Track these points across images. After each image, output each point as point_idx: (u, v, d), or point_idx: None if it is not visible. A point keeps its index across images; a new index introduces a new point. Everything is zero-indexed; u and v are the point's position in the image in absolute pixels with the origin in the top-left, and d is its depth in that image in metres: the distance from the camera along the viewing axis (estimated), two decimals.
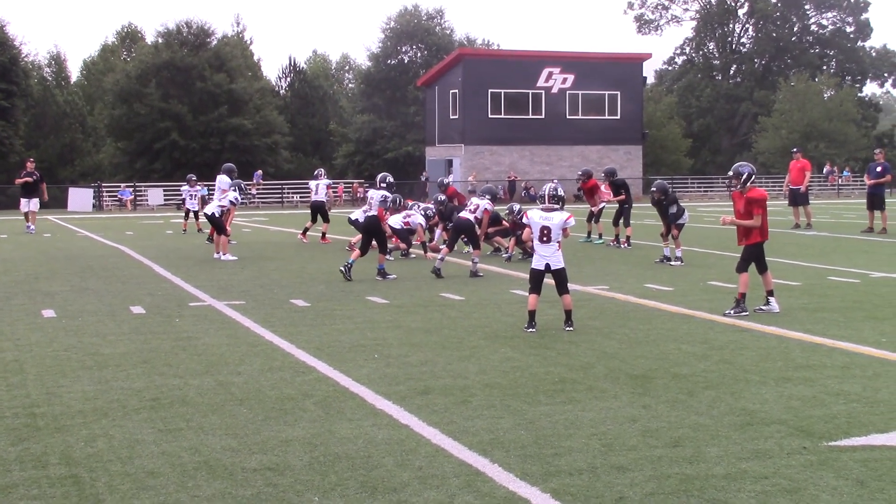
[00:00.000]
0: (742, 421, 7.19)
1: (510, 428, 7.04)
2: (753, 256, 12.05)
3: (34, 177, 29.96)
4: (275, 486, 5.88)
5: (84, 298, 14.03)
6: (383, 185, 17.10)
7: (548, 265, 11.03)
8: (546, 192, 11.24)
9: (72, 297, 14.24)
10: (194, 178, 28.94)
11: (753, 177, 11.98)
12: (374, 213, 16.50)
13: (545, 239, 11.03)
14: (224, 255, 19.64)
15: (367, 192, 19.75)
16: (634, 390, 8.15)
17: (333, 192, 54.65)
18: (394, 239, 19.82)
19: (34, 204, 29.99)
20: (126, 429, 7.08)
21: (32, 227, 29.51)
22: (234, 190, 21.17)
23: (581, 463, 6.24)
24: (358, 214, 20.51)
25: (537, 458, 6.33)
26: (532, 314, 11.04)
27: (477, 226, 17.59)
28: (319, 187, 24.36)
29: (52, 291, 14.85)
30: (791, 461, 6.26)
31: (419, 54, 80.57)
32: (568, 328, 10.98)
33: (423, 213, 20.56)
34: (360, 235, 18.34)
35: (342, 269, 15.87)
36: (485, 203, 18.07)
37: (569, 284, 11.19)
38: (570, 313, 11.12)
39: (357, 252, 16.26)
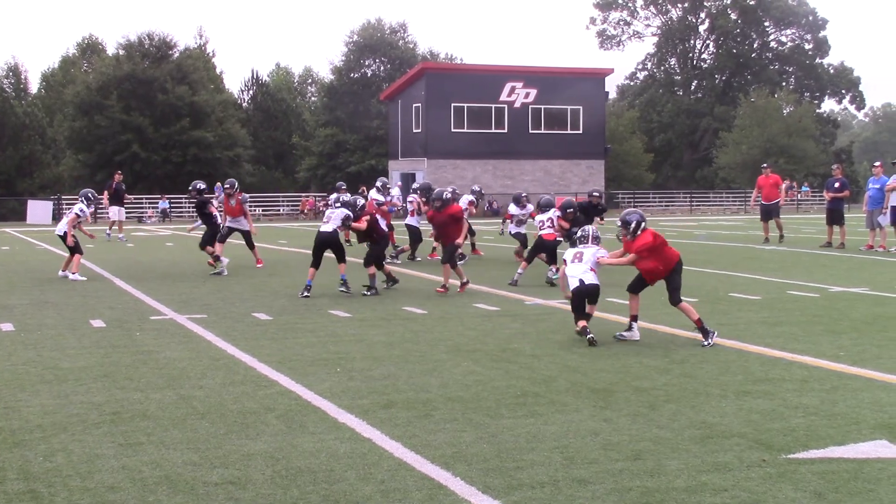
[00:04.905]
0: (702, 434, 7.24)
1: (472, 441, 7.05)
2: (678, 283, 11.70)
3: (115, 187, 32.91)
4: (236, 500, 5.85)
5: (43, 312, 13.90)
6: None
7: (581, 280, 11.29)
8: (585, 234, 11.85)
9: (31, 310, 14.09)
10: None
11: (643, 224, 11.65)
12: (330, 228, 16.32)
13: (576, 261, 11.52)
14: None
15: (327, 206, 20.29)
16: (596, 404, 8.19)
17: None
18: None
19: (123, 213, 33.72)
20: (86, 443, 7.02)
21: (122, 236, 32.23)
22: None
23: (543, 476, 6.26)
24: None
25: (499, 472, 6.35)
26: (584, 329, 11.18)
27: (552, 241, 17.38)
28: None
29: (10, 305, 14.69)
30: (750, 474, 6.31)
31: (382, 68, 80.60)
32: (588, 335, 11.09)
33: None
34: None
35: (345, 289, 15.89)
36: (552, 214, 17.54)
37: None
38: (587, 317, 11.38)
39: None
